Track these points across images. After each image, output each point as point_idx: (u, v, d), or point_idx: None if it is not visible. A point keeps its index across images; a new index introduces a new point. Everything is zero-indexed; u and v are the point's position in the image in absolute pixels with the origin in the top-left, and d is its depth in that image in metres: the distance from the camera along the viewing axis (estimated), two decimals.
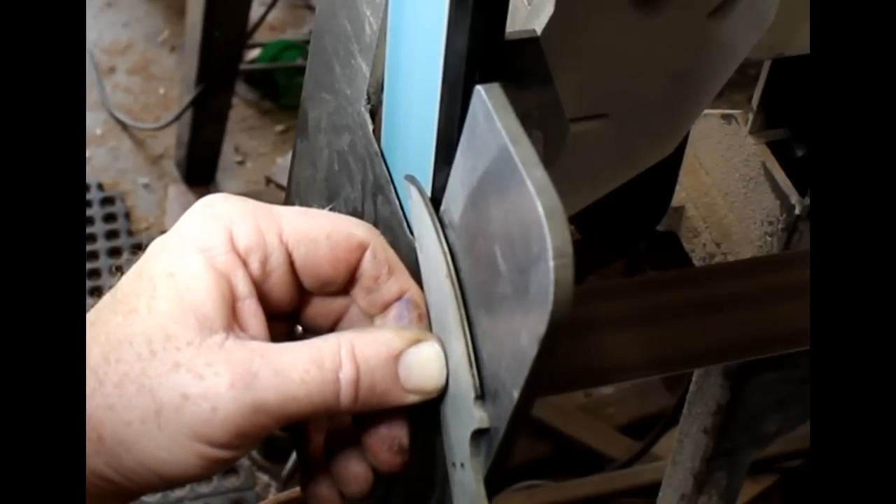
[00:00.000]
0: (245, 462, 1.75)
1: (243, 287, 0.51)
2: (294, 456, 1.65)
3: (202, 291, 0.50)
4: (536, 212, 0.43)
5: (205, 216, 0.52)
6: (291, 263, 0.52)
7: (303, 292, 0.54)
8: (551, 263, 0.42)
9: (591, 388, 1.76)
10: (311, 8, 2.43)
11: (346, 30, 0.63)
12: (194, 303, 0.50)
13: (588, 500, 1.65)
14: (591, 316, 0.71)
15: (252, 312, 0.51)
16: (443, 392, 0.52)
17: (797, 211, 0.82)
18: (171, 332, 0.49)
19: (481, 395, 0.49)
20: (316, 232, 0.52)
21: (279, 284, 0.52)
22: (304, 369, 0.49)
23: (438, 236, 0.51)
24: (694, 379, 0.92)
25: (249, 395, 0.48)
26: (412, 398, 0.51)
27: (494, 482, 0.51)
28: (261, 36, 2.25)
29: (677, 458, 0.97)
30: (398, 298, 0.53)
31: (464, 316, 0.50)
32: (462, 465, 0.52)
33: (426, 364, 0.51)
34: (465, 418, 0.50)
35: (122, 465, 0.50)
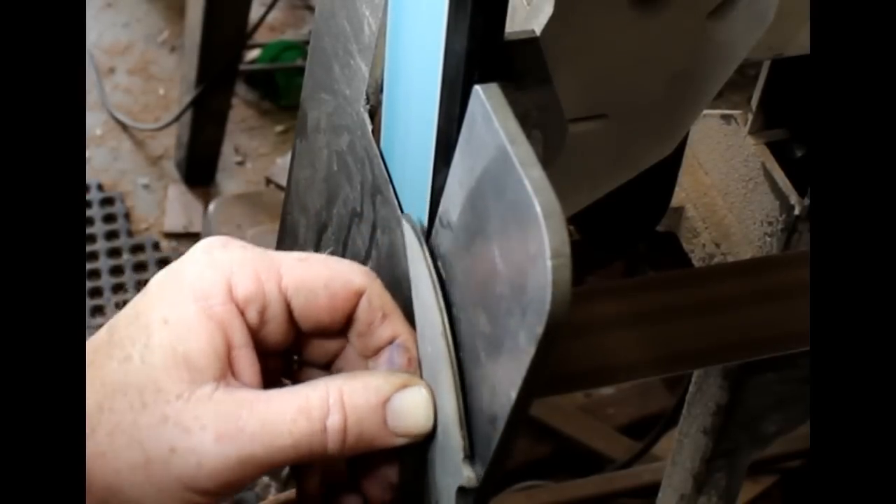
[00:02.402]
0: None
1: (239, 337, 0.52)
2: None
3: (195, 342, 0.50)
4: (534, 211, 0.43)
5: (204, 264, 0.52)
6: (289, 311, 0.53)
7: (299, 333, 0.55)
8: (549, 263, 0.42)
9: (591, 389, 1.75)
10: (310, 8, 2.43)
11: (345, 30, 0.63)
12: (186, 354, 0.50)
13: (588, 501, 1.65)
14: (590, 316, 0.71)
15: (247, 362, 0.52)
16: (431, 435, 0.52)
17: (797, 211, 0.82)
18: (162, 385, 0.50)
19: (470, 456, 0.50)
20: (314, 281, 0.53)
21: (276, 330, 0.53)
22: (292, 419, 0.50)
23: (436, 292, 0.51)
24: (693, 379, 0.92)
25: (235, 449, 0.49)
26: (400, 441, 0.52)
27: (494, 482, 0.51)
28: (260, 36, 2.25)
29: (677, 458, 0.97)
30: (390, 342, 0.54)
31: (457, 375, 0.50)
32: None
33: (414, 409, 0.52)
34: (452, 472, 0.51)
35: None
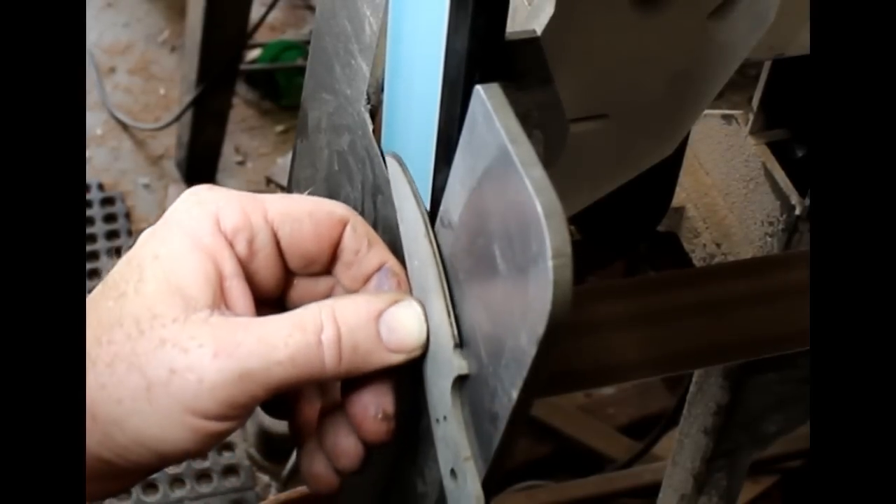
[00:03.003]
0: (245, 462, 1.76)
1: (230, 267, 0.53)
2: (294, 456, 1.65)
3: (187, 272, 0.52)
4: (535, 211, 0.43)
5: (191, 203, 0.54)
6: (277, 243, 0.54)
7: (288, 274, 0.56)
8: (550, 263, 0.42)
9: (592, 389, 1.75)
10: (311, 8, 2.43)
11: (346, 30, 0.63)
12: (179, 283, 0.51)
13: (588, 501, 1.65)
14: (591, 316, 0.71)
15: (239, 291, 0.53)
16: (425, 351, 0.53)
17: (797, 211, 0.82)
18: (158, 311, 0.51)
19: (459, 344, 0.50)
20: (299, 211, 0.54)
21: (265, 264, 0.54)
22: (287, 334, 0.51)
23: (416, 200, 0.54)
24: (694, 379, 0.92)
25: (234, 363, 0.50)
26: (396, 357, 0.52)
27: (494, 482, 0.51)
28: (261, 36, 2.25)
29: (677, 458, 0.97)
30: (378, 269, 0.55)
31: (442, 273, 0.51)
32: (444, 417, 0.52)
33: (406, 321, 0.52)
34: (444, 369, 0.51)
35: (115, 444, 0.51)
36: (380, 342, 0.52)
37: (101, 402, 0.51)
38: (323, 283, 0.57)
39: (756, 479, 1.66)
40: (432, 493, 0.56)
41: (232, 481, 1.74)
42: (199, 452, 0.52)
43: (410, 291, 0.55)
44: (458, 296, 0.51)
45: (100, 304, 0.52)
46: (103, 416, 0.51)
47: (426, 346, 0.53)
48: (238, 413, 0.51)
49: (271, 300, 0.56)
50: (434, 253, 0.52)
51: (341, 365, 0.51)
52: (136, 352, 0.50)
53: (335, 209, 0.55)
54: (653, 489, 1.07)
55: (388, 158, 0.57)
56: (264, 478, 1.76)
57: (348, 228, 0.55)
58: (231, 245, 0.53)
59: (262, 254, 0.54)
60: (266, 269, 0.54)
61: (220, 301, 0.52)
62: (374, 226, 0.60)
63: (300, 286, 0.57)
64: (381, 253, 0.55)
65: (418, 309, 0.53)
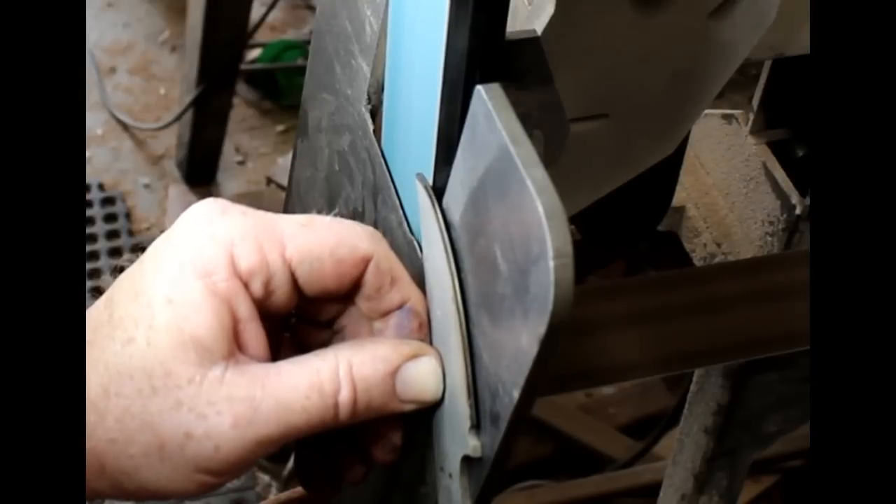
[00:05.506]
0: None
1: (245, 310, 0.51)
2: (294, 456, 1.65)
3: (202, 321, 0.50)
4: (537, 212, 0.43)
5: (205, 237, 0.51)
6: (294, 280, 0.52)
7: (305, 297, 0.54)
8: (551, 263, 0.42)
9: (592, 388, 1.75)
10: (311, 8, 2.43)
11: (346, 30, 0.63)
12: (194, 334, 0.49)
13: (589, 501, 1.65)
14: (591, 316, 0.71)
15: (254, 334, 0.51)
16: (439, 402, 0.52)
17: (798, 211, 0.82)
18: (171, 368, 0.49)
19: (477, 425, 0.50)
20: (320, 249, 0.52)
21: (281, 301, 0.52)
22: (305, 396, 0.50)
23: (447, 255, 0.51)
24: (694, 379, 0.92)
25: (252, 432, 0.49)
26: (409, 407, 0.52)
27: (496, 482, 0.51)
28: (261, 36, 2.25)
29: (678, 458, 0.97)
30: (399, 306, 0.53)
31: (466, 340, 0.50)
32: (451, 475, 0.53)
33: (424, 378, 0.52)
34: (458, 439, 0.51)
35: (123, 490, 0.51)
36: (394, 397, 0.51)
37: (111, 456, 0.50)
38: (339, 303, 0.55)
39: (756, 478, 1.66)
40: (433, 494, 0.56)
41: (232, 481, 1.73)
42: (199, 495, 0.52)
43: (430, 335, 0.54)
44: (476, 328, 0.50)
45: (106, 345, 0.51)
46: (113, 467, 0.51)
47: (442, 398, 0.52)
48: (248, 468, 0.51)
49: (284, 315, 0.55)
50: (461, 321, 0.50)
51: (354, 419, 0.51)
52: (148, 410, 0.50)
53: (359, 244, 0.52)
54: (653, 489, 1.07)
55: (416, 183, 0.54)
56: (265, 478, 1.75)
57: (371, 266, 0.52)
58: (246, 286, 0.51)
59: (278, 292, 0.52)
60: (281, 303, 0.52)
61: (235, 347, 0.50)
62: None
63: (315, 304, 0.55)
64: (403, 290, 0.53)
65: (437, 365, 0.52)
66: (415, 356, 0.52)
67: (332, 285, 0.52)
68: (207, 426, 0.49)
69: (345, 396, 0.50)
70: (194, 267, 0.50)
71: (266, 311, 0.52)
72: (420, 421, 0.54)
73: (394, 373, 0.51)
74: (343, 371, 0.50)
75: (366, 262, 0.52)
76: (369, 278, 0.53)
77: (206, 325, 0.49)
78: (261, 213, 0.52)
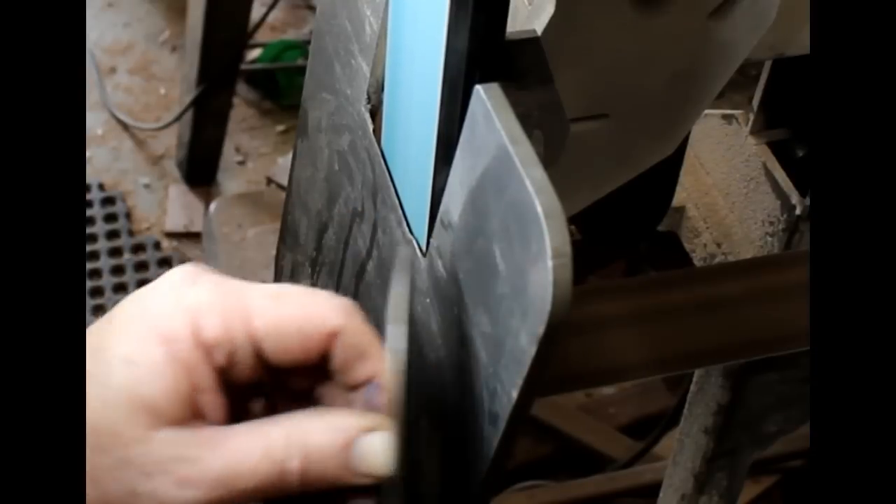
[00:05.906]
0: None
1: (205, 380, 0.51)
2: None
3: (160, 386, 0.50)
4: (535, 212, 0.43)
5: (172, 303, 0.51)
6: (260, 353, 0.52)
7: (273, 367, 0.53)
8: (550, 263, 0.42)
9: (592, 388, 1.75)
10: (311, 8, 2.43)
11: (346, 30, 0.63)
12: (148, 397, 0.50)
13: (589, 501, 1.65)
14: (591, 316, 0.71)
15: (213, 403, 0.51)
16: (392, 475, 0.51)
17: (798, 211, 0.82)
18: (120, 429, 0.50)
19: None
20: (287, 325, 0.51)
21: (245, 371, 0.52)
22: (256, 462, 0.50)
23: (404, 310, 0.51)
24: (695, 379, 0.92)
25: (198, 493, 0.49)
26: (363, 480, 0.51)
27: (495, 482, 0.51)
28: (261, 36, 2.25)
29: (678, 458, 0.97)
30: (369, 380, 0.53)
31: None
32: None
33: (378, 454, 0.51)
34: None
35: None
36: (347, 469, 0.51)
37: None
38: (312, 374, 0.54)
39: (756, 478, 1.66)
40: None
41: None
42: None
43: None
44: (475, 328, 0.50)
45: None
46: None
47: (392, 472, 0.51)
48: None
49: (253, 385, 0.54)
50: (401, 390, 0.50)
51: (307, 487, 0.51)
52: (95, 466, 0.49)
53: (327, 318, 0.52)
54: (653, 489, 1.07)
55: (401, 250, 0.53)
56: None
57: (339, 341, 0.52)
58: (209, 355, 0.51)
59: (242, 364, 0.51)
60: (245, 375, 0.52)
61: (190, 414, 0.50)
62: (374, 225, 0.60)
63: (289, 373, 0.54)
64: (371, 365, 0.52)
65: (390, 440, 0.51)
66: (372, 429, 0.51)
67: (300, 357, 0.52)
68: (154, 485, 0.49)
69: (294, 464, 0.50)
70: (159, 332, 0.51)
71: (230, 381, 0.52)
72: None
73: (349, 444, 0.51)
74: (295, 438, 0.50)
75: (333, 336, 0.52)
76: (337, 352, 0.52)
77: (162, 390, 0.50)
78: (232, 284, 0.52)
